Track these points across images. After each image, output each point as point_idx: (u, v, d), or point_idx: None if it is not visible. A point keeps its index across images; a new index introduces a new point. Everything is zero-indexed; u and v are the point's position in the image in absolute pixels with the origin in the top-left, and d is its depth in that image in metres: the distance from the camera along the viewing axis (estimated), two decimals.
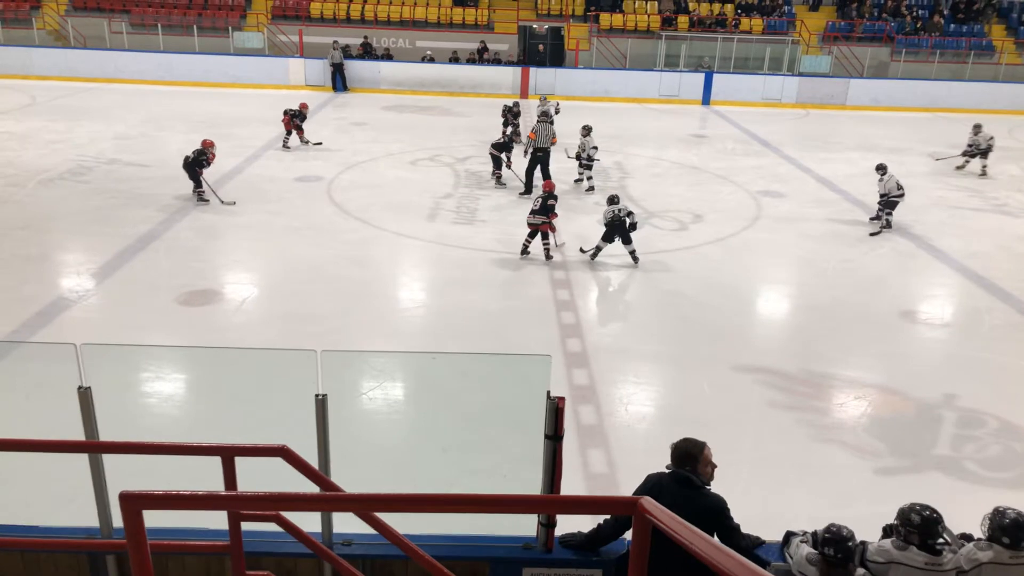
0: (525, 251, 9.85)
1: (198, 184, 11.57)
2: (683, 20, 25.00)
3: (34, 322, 7.56)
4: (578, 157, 13.24)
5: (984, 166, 15.23)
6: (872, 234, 11.24)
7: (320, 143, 15.66)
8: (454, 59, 23.92)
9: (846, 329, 8.26)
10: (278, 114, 15.63)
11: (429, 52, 23.94)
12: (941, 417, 6.63)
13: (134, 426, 4.45)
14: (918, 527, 3.25)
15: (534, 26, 24.74)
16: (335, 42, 22.73)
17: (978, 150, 15.19)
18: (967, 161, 15.59)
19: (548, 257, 9.78)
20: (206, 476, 3.15)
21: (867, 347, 7.90)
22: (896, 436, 6.30)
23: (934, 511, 3.30)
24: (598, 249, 9.81)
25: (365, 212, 11.42)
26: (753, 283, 9.59)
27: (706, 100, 23.03)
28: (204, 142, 11.77)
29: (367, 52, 23.65)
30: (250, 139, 15.93)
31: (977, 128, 15.35)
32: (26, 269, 8.90)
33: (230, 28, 23.82)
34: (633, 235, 9.66)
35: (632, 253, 9.72)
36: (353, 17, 24.74)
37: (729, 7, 25.58)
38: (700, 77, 23.11)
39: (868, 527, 3.64)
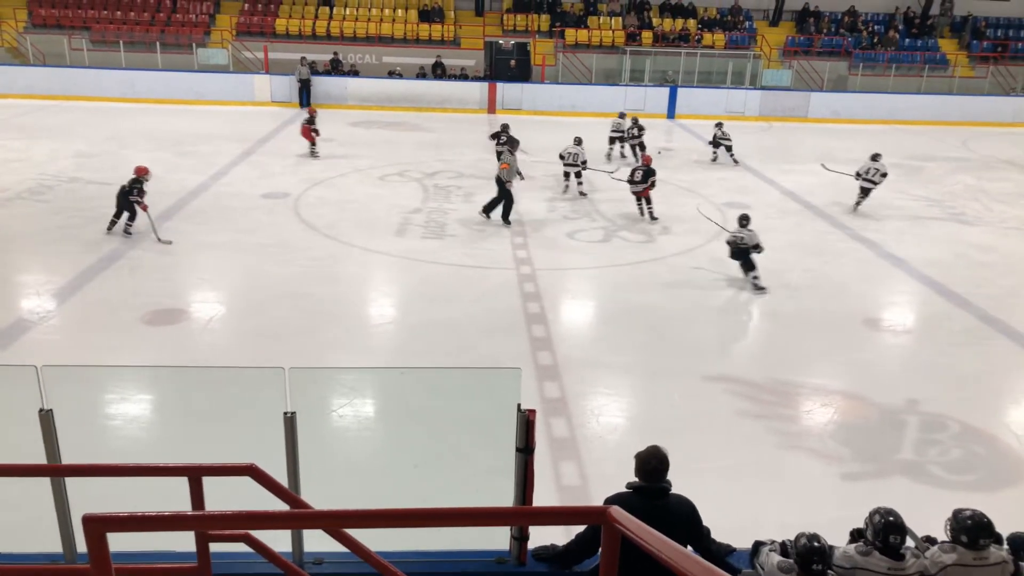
0: (653, 217, 12.30)
1: (132, 216, 10.60)
2: (647, 35, 25.36)
3: None
4: (573, 165, 13.75)
5: (859, 201, 13.28)
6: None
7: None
8: (421, 75, 23.97)
9: (811, 337, 8.41)
10: (243, 130, 15.54)
11: (397, 68, 23.96)
12: (904, 422, 6.77)
13: (99, 449, 4.37)
14: (880, 531, 3.31)
15: (500, 42, 24.91)
16: (303, 58, 22.65)
17: (867, 178, 13.12)
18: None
19: (653, 219, 12.25)
20: (174, 497, 3.11)
21: (832, 355, 8.05)
22: (861, 441, 6.41)
23: (896, 515, 3.36)
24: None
25: (333, 228, 11.36)
26: (720, 293, 9.72)
27: (671, 114, 23.35)
28: (137, 169, 10.73)
29: (335, 68, 23.60)
30: (215, 156, 15.78)
31: (876, 157, 13.27)
32: None
33: (194, 45, 23.61)
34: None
35: (754, 280, 9.57)
36: (319, 33, 24.68)
37: (692, 22, 26.03)
38: (665, 91, 23.44)
39: (836, 532, 3.69)
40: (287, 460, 3.17)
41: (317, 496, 3.74)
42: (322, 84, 22.84)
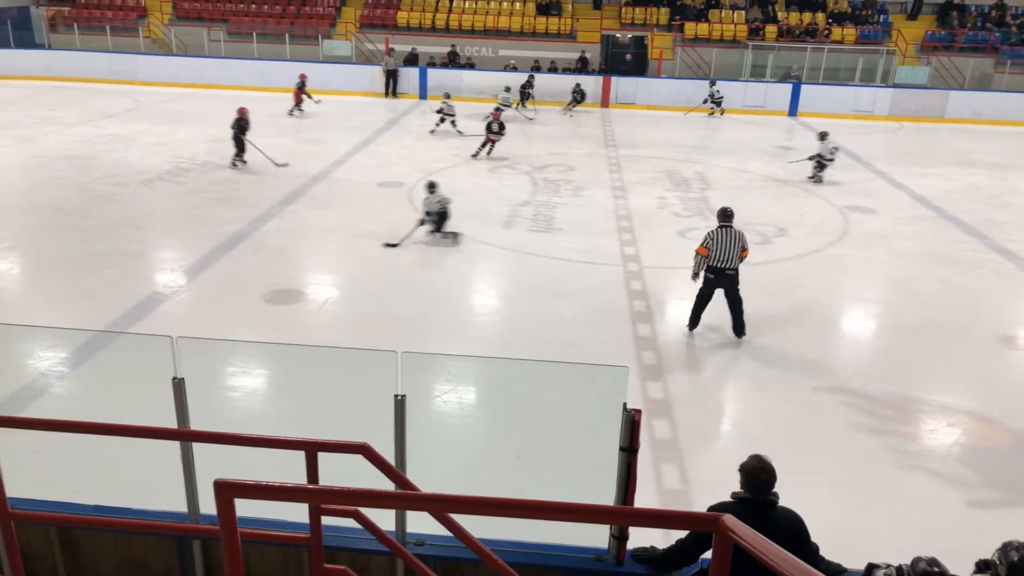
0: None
1: (240, 151, 13.57)
2: (771, 30, 24.43)
3: (132, 314, 7.97)
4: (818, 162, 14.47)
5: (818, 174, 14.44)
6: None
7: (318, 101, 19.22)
8: (536, 68, 24.04)
9: (938, 352, 7.87)
10: (365, 121, 16.14)
11: (512, 61, 24.13)
12: None
13: (221, 418, 4.63)
14: (1013, 565, 3.06)
15: (617, 35, 24.62)
16: (391, 49, 23.21)
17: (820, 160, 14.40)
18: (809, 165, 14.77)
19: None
20: (286, 471, 3.25)
21: (961, 372, 7.51)
22: (991, 467, 5.96)
23: None
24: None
25: None
26: (839, 300, 9.26)
27: (793, 111, 22.43)
28: (239, 110, 13.84)
29: (452, 61, 24.02)
30: (336, 144, 16.41)
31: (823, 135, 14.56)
32: (127, 264, 9.39)
33: (320, 36, 24.62)
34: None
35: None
36: (438, 26, 25.20)
37: (820, 16, 24.86)
38: (787, 88, 22.52)
39: (958, 562, 3.44)
40: (395, 441, 3.25)
41: (421, 478, 3.83)
42: (438, 76, 23.30)
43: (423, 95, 23.13)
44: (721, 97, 21.48)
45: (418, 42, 24.36)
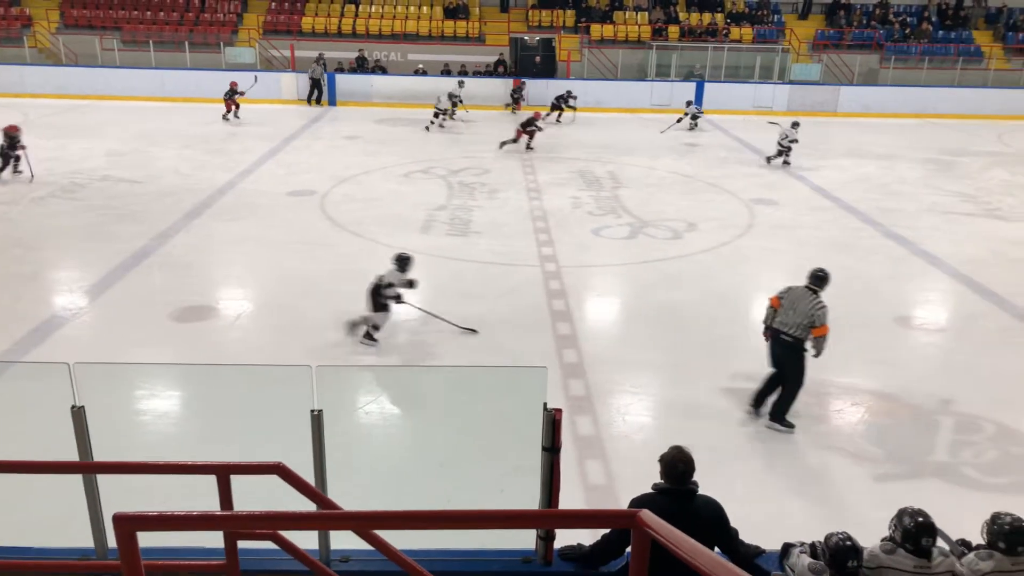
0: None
1: (4, 166, 13.25)
2: (673, 30, 25.15)
3: (28, 340, 7.52)
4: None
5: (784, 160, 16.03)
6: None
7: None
8: (446, 71, 24.00)
9: (841, 336, 8.21)
10: (274, 130, 15.74)
11: (421, 65, 24.01)
12: (938, 423, 6.64)
13: (129, 445, 4.42)
14: (908, 531, 3.25)
15: (525, 38, 24.84)
16: (319, 55, 22.80)
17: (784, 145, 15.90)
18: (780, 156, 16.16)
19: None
20: (203, 493, 3.13)
21: (863, 353, 7.91)
22: (894, 442, 6.30)
23: (926, 515, 3.29)
24: None
25: (359, 225, 11.41)
26: (748, 291, 9.60)
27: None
28: (9, 127, 13.38)
29: (360, 66, 23.71)
30: (243, 154, 15.93)
31: (795, 125, 16.16)
32: (20, 287, 8.86)
33: (222, 43, 23.86)
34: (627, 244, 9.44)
35: None
36: (345, 31, 24.82)
37: (719, 16, 25.75)
38: (691, 86, 23.22)
39: (868, 534, 3.62)
40: (314, 458, 3.18)
41: (344, 493, 3.75)
42: (348, 82, 22.95)
43: (332, 101, 22.74)
44: (699, 114, 20.47)
45: (324, 47, 23.92)
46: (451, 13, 25.28)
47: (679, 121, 19.74)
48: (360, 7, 25.53)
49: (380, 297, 7.44)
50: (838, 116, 23.01)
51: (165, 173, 14.14)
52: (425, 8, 25.64)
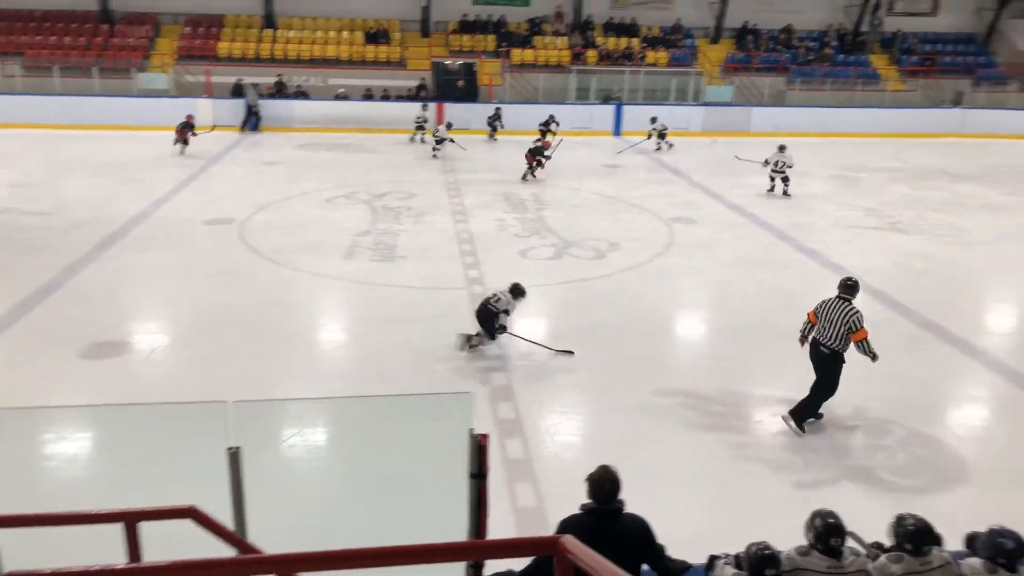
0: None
1: None
2: (592, 54, 25.73)
3: None
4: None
5: (785, 189, 15.80)
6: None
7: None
8: (368, 96, 23.88)
9: (761, 348, 8.55)
10: (189, 158, 15.31)
11: (342, 89, 23.82)
12: (852, 428, 6.92)
13: (33, 493, 4.18)
14: (818, 532, 3.37)
15: (447, 62, 24.98)
16: (255, 84, 22.53)
17: (776, 171, 15.68)
18: (772, 184, 16.03)
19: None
20: (115, 542, 2.98)
21: (780, 365, 8.17)
22: (811, 450, 6.52)
23: (835, 517, 3.42)
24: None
25: (280, 253, 11.18)
26: (670, 308, 9.84)
27: (617, 131, 23.68)
28: None
29: (279, 91, 23.35)
30: (157, 182, 15.42)
31: (782, 148, 15.91)
32: None
33: (132, 69, 23.11)
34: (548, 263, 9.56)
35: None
36: (263, 56, 24.42)
37: (635, 41, 26.51)
38: (610, 109, 23.77)
39: (792, 540, 3.73)
40: (232, 499, 3.07)
41: (266, 533, 3.63)
42: (267, 107, 22.57)
43: (253, 127, 22.29)
44: (664, 130, 21.07)
45: (242, 72, 23.46)
46: (372, 38, 25.22)
47: (648, 138, 20.61)
48: (278, 32, 25.19)
49: (492, 318, 7.84)
50: (751, 136, 23.93)
51: (74, 204, 13.55)
52: (345, 33, 25.49)
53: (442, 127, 19.57)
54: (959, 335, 8.96)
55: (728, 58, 26.49)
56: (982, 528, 3.60)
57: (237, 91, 22.92)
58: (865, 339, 6.47)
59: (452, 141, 19.43)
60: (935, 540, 3.45)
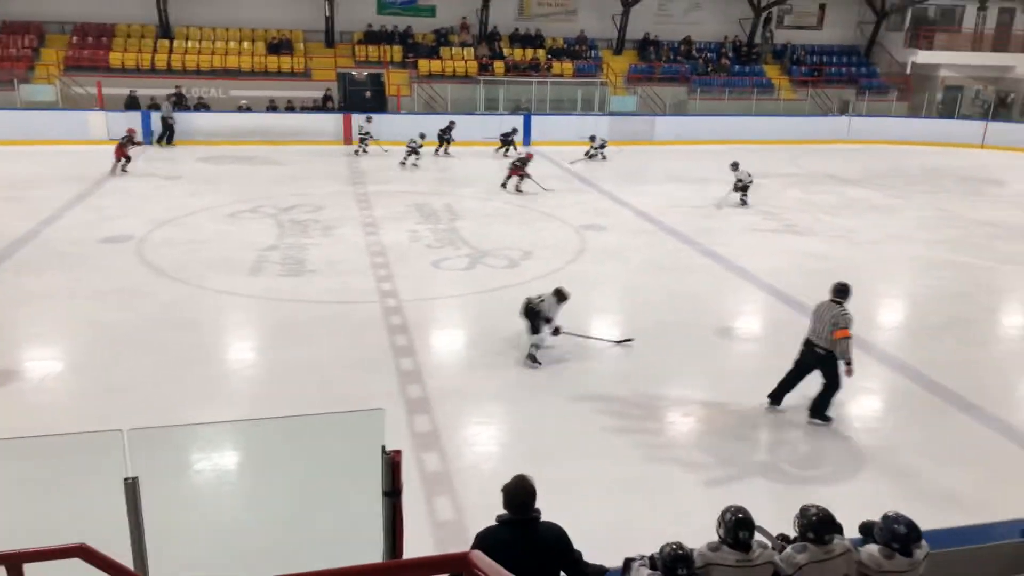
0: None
1: None
2: (499, 65, 25.93)
3: None
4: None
5: (743, 199, 16.13)
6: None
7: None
8: (272, 107, 23.31)
9: (670, 350, 8.78)
10: (78, 170, 14.54)
11: (245, 101, 23.16)
12: (758, 424, 7.18)
13: None
14: (730, 528, 3.49)
15: (353, 73, 24.67)
16: (169, 95, 21.71)
17: (742, 185, 16.08)
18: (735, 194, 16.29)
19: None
20: None
21: (690, 365, 8.44)
22: (720, 447, 6.74)
23: (744, 511, 3.55)
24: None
25: (183, 270, 10.74)
26: (582, 313, 9.96)
27: (527, 141, 23.92)
28: None
29: (179, 103, 22.48)
30: (46, 200, 14.55)
31: (735, 165, 16.24)
32: None
33: (16, 80, 21.78)
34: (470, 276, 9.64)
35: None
36: (159, 67, 23.48)
37: (541, 52, 26.88)
38: (519, 119, 24.00)
39: (705, 538, 3.83)
40: (131, 532, 2.91)
41: (172, 566, 3.46)
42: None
43: (147, 139, 21.36)
44: (604, 143, 21.57)
45: (136, 84, 22.50)
46: (274, 48, 24.63)
47: (590, 156, 21.15)
48: (175, 42, 24.27)
49: (536, 316, 8.12)
50: (655, 144, 24.63)
51: None
52: (246, 43, 24.80)
53: (416, 137, 19.68)
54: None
55: (631, 69, 27.22)
56: (877, 515, 3.80)
57: (131, 103, 21.95)
58: (846, 339, 6.73)
59: (417, 153, 19.63)
60: (837, 529, 3.62)
